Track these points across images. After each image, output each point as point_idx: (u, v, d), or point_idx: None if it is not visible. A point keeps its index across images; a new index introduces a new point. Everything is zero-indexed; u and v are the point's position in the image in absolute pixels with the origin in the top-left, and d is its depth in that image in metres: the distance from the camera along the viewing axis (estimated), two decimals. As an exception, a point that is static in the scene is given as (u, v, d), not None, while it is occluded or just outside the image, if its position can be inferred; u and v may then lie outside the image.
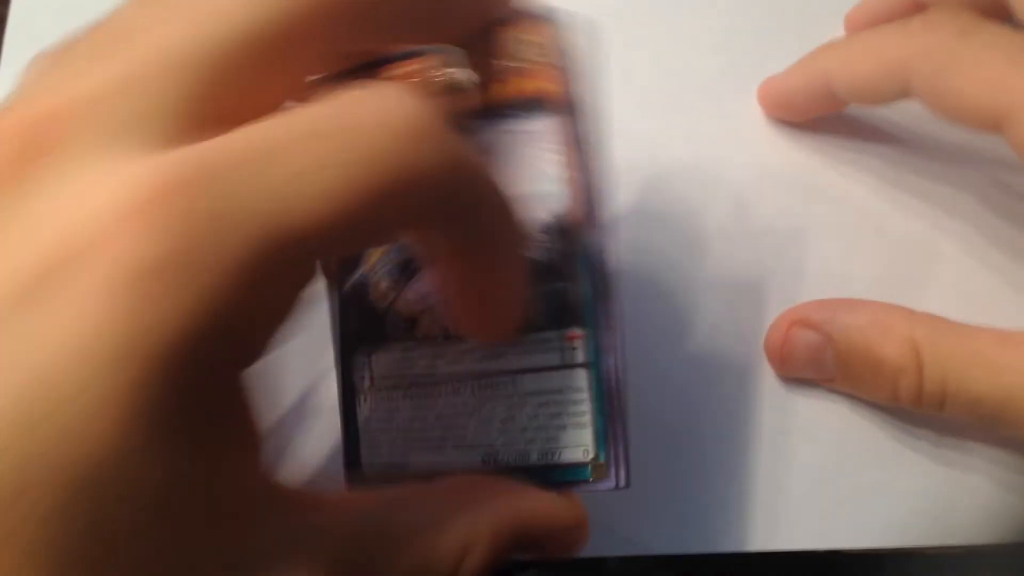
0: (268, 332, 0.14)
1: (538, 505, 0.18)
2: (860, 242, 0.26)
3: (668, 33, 0.29)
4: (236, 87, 0.13)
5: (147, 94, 0.13)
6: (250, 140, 0.13)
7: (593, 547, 0.22)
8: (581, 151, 0.18)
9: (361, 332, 0.20)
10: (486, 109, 0.18)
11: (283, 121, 0.13)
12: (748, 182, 0.26)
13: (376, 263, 0.19)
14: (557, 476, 0.18)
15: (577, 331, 0.18)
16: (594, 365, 0.18)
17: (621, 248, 0.19)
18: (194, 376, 0.12)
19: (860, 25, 0.27)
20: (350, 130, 0.13)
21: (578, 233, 0.18)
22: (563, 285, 0.18)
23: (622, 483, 0.18)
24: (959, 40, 0.22)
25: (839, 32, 0.28)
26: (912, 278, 0.25)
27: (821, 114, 0.27)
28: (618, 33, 0.29)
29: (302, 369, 0.24)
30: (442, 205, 0.14)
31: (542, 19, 0.17)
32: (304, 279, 0.14)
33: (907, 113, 0.27)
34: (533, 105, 0.18)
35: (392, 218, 0.14)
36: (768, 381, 0.24)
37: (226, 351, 0.13)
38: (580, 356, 0.18)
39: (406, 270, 0.19)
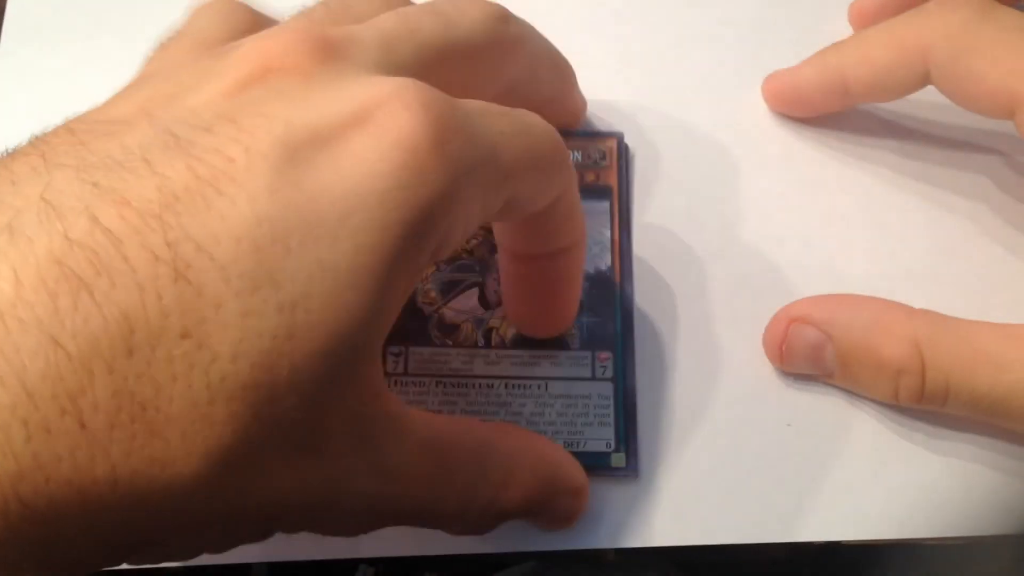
0: (448, 248, 0.17)
1: (564, 457, 0.21)
2: (861, 235, 0.26)
3: (666, 24, 0.29)
4: (447, 72, 0.18)
5: (400, 49, 0.18)
6: (473, 102, 0.17)
7: (591, 539, 0.22)
8: (623, 227, 0.25)
9: (403, 328, 0.23)
10: None
11: (489, 103, 0.18)
12: (748, 174, 0.26)
13: (429, 276, 0.24)
14: (580, 460, 0.21)
15: (607, 354, 0.23)
16: (618, 379, 0.23)
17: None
18: (415, 242, 0.15)
19: (868, 14, 0.27)
20: (529, 123, 0.18)
21: (614, 284, 0.24)
22: (597, 319, 0.24)
23: (636, 470, 0.23)
24: (980, 21, 0.22)
25: (840, 23, 0.28)
26: (915, 271, 0.25)
27: (831, 112, 0.26)
28: (617, 26, 0.29)
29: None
30: (556, 202, 0.19)
31: (607, 135, 0.26)
32: (480, 217, 0.17)
33: (911, 108, 0.27)
34: (598, 192, 0.25)
35: (535, 192, 0.18)
36: (767, 374, 0.24)
37: (435, 238, 0.16)
38: (608, 372, 0.23)
39: (452, 287, 0.24)
